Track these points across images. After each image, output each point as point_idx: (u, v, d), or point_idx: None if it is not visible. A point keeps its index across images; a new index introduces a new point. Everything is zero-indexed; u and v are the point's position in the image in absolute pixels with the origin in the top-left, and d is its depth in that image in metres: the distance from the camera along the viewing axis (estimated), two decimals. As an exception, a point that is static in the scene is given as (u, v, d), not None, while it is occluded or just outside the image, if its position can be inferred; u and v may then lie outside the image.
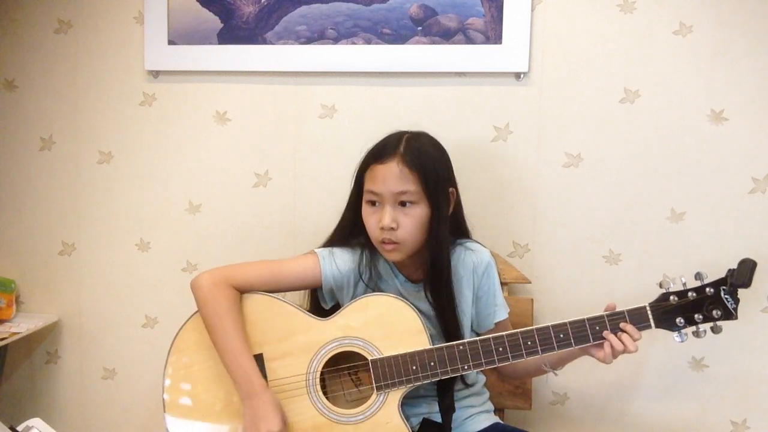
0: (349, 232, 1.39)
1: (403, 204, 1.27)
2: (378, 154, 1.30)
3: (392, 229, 1.26)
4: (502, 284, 1.49)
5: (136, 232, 1.85)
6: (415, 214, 1.27)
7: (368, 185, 1.30)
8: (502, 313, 1.38)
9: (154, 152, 1.83)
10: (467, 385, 1.39)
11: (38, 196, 1.88)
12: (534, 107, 1.67)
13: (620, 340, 1.23)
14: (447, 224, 1.31)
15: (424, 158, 1.27)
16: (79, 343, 1.91)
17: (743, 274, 1.21)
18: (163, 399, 1.31)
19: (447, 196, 1.31)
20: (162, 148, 1.82)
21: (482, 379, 1.46)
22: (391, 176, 1.26)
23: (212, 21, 1.74)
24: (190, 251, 1.83)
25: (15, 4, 1.83)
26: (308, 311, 1.35)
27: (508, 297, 1.53)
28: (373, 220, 1.29)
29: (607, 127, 1.64)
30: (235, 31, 1.74)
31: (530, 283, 1.65)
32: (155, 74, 1.80)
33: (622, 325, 1.24)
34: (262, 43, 1.73)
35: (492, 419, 1.42)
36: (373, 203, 1.30)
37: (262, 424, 1.21)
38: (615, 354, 1.23)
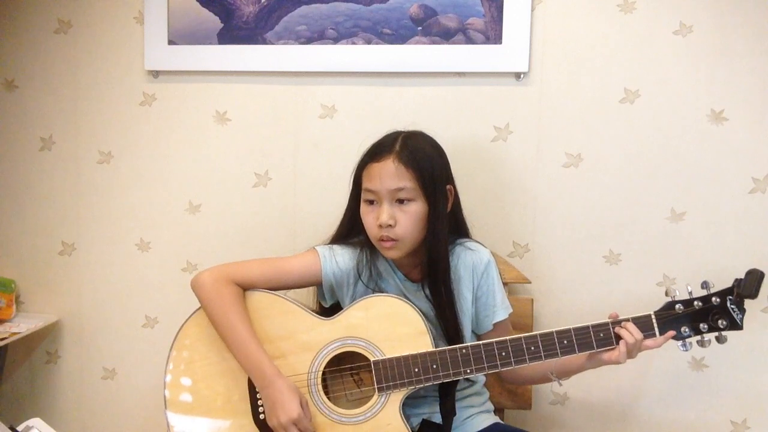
0: (348, 231, 1.40)
1: (400, 201, 1.28)
2: (374, 152, 1.31)
3: (390, 226, 1.27)
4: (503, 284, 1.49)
5: (136, 232, 1.85)
6: (412, 210, 1.28)
7: (365, 184, 1.31)
8: (501, 314, 1.38)
9: (154, 152, 1.82)
10: (468, 379, 1.39)
11: (38, 196, 1.88)
12: (534, 107, 1.67)
13: (629, 333, 1.22)
14: (445, 221, 1.32)
15: (419, 155, 1.28)
16: (79, 343, 1.91)
17: (751, 284, 1.20)
18: (165, 395, 1.31)
19: (444, 193, 1.32)
20: (162, 148, 1.82)
21: (482, 378, 1.46)
22: (387, 173, 1.27)
23: (212, 21, 1.74)
24: (190, 251, 1.83)
25: (15, 4, 1.83)
26: (313, 310, 1.35)
27: (508, 297, 1.53)
28: (371, 218, 1.30)
29: (607, 127, 1.64)
30: (235, 31, 1.74)
31: (530, 283, 1.65)
32: (155, 74, 1.80)
33: (623, 324, 1.24)
34: (262, 43, 1.73)
35: (492, 419, 1.42)
36: (370, 202, 1.31)
37: (280, 412, 1.22)
38: (629, 347, 1.22)
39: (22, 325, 1.79)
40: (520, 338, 1.25)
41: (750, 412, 1.64)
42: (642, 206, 1.64)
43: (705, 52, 1.58)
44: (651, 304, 1.28)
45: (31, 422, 1.04)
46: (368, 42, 1.69)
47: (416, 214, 1.28)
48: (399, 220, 1.28)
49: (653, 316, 1.24)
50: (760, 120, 1.57)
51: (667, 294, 1.26)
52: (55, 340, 1.92)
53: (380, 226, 1.28)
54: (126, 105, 1.82)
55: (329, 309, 1.40)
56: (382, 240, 1.29)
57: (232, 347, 1.29)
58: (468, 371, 1.26)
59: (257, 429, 1.28)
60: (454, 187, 1.36)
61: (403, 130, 1.35)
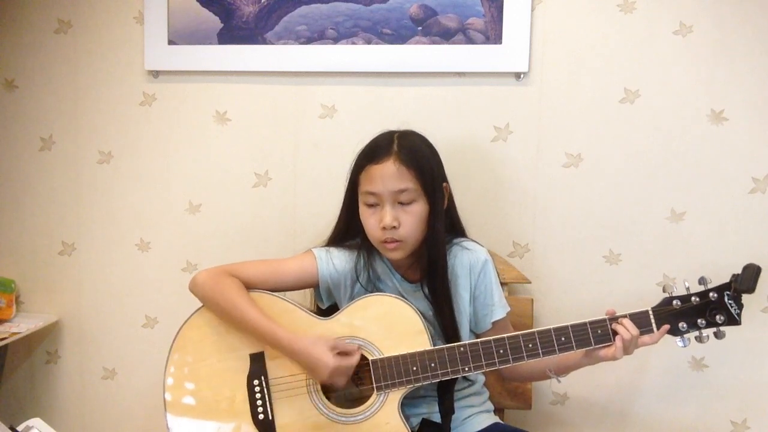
0: (345, 233, 1.40)
1: (401, 202, 1.28)
2: (372, 154, 1.30)
3: (394, 228, 1.27)
4: (502, 284, 1.49)
5: (136, 232, 1.85)
6: (414, 211, 1.28)
7: (365, 187, 1.30)
8: (499, 312, 1.38)
9: (154, 152, 1.83)
10: (467, 379, 1.39)
11: (38, 196, 1.88)
12: (534, 107, 1.66)
13: (625, 328, 1.22)
14: (443, 219, 1.32)
15: (418, 155, 1.28)
16: (79, 343, 1.91)
17: (747, 279, 1.20)
18: (165, 398, 1.31)
19: (442, 191, 1.33)
20: (162, 148, 1.82)
21: (482, 378, 1.46)
22: (389, 175, 1.26)
23: (212, 21, 1.74)
24: (190, 251, 1.83)
25: (15, 4, 1.83)
26: (311, 311, 1.35)
27: (507, 297, 1.53)
28: (373, 221, 1.30)
29: (607, 127, 1.64)
30: (235, 31, 1.74)
31: (530, 283, 1.65)
32: (155, 74, 1.80)
33: (620, 320, 1.24)
34: (262, 43, 1.73)
35: (492, 419, 1.42)
36: (371, 204, 1.30)
37: (318, 371, 1.24)
38: (626, 343, 1.22)
39: (22, 325, 1.79)
40: (517, 336, 1.25)
41: (750, 412, 1.64)
42: (642, 206, 1.64)
43: (705, 52, 1.58)
44: (651, 303, 1.27)
45: (31, 422, 1.04)
46: (368, 42, 1.69)
47: (419, 214, 1.28)
48: (402, 222, 1.28)
49: (650, 312, 1.25)
50: (760, 120, 1.57)
51: (664, 290, 1.26)
52: (55, 340, 1.92)
53: (384, 228, 1.27)
54: (126, 105, 1.82)
55: (326, 310, 1.40)
56: (386, 242, 1.29)
57: (243, 329, 1.29)
58: (466, 369, 1.26)
59: (256, 430, 1.28)
60: (448, 185, 1.37)
61: (395, 129, 1.35)
